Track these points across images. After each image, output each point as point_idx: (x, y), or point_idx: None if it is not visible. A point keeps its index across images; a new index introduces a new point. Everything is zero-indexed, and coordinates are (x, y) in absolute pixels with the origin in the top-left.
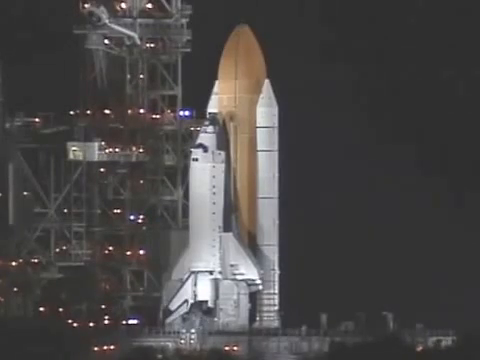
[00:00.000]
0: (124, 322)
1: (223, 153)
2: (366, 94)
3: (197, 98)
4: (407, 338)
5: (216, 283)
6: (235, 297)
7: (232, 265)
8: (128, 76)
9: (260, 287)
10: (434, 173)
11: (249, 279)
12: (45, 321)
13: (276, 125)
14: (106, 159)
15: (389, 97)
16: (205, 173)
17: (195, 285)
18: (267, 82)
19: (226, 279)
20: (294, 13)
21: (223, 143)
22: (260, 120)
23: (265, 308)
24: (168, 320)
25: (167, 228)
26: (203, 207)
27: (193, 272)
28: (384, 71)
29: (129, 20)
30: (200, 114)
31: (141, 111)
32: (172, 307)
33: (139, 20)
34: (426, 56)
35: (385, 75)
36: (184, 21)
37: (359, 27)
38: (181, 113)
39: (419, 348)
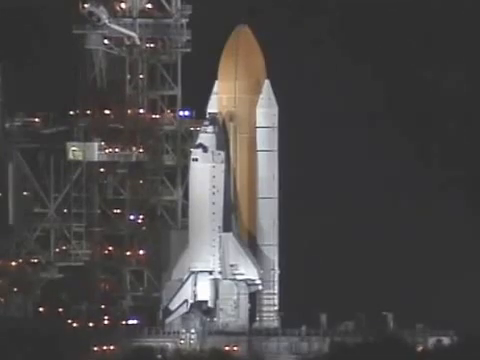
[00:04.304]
0: (124, 322)
1: (223, 153)
2: (366, 94)
3: (197, 98)
4: (407, 338)
5: (216, 283)
6: (235, 297)
7: (232, 265)
8: (128, 76)
9: (260, 287)
10: (434, 173)
11: (249, 279)
12: (45, 321)
13: (276, 125)
14: (106, 159)
15: (389, 97)
16: (205, 173)
17: (195, 285)
18: (267, 82)
19: (226, 279)
20: (294, 13)
21: (223, 143)
22: (260, 120)
23: (265, 308)
24: (168, 320)
25: (167, 228)
26: (203, 207)
27: (193, 272)
28: (384, 70)
29: (129, 20)
30: (200, 114)
31: (141, 111)
32: (172, 307)
33: (139, 20)
34: (430, 55)
35: (385, 74)
36: (184, 21)
37: (359, 27)
38: (181, 113)
39: (419, 348)
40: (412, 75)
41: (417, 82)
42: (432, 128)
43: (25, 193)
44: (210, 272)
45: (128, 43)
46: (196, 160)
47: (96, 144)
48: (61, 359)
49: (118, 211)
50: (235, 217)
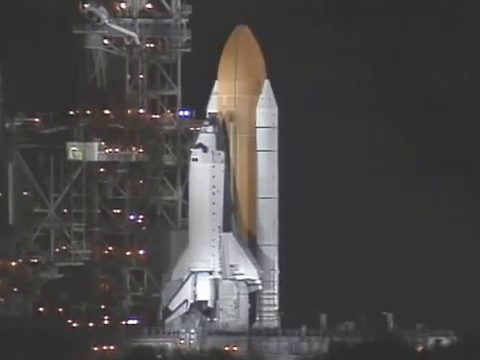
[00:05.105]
0: (124, 322)
1: (223, 153)
2: (366, 94)
3: (197, 98)
4: (407, 338)
5: (216, 283)
6: (235, 297)
7: (232, 265)
8: (128, 76)
9: (260, 287)
10: (434, 172)
11: (249, 279)
12: (45, 321)
13: (276, 125)
14: (106, 159)
15: (389, 96)
16: (205, 173)
17: (195, 285)
18: (267, 82)
19: (226, 279)
20: (294, 13)
21: (223, 143)
22: (260, 120)
23: (265, 308)
24: (168, 320)
25: (167, 228)
26: (203, 207)
27: (193, 272)
28: (384, 70)
29: (129, 20)
30: (200, 114)
31: (141, 111)
32: (172, 307)
33: (139, 20)
34: (424, 55)
35: (385, 74)
36: (184, 21)
37: (360, 26)
38: (181, 113)
39: (419, 348)
40: (413, 75)
41: (419, 81)
42: (433, 128)
43: (25, 193)
44: (210, 272)
45: (128, 43)
46: (196, 160)
47: (96, 144)
48: (61, 359)
49: (118, 211)
50: (235, 217)
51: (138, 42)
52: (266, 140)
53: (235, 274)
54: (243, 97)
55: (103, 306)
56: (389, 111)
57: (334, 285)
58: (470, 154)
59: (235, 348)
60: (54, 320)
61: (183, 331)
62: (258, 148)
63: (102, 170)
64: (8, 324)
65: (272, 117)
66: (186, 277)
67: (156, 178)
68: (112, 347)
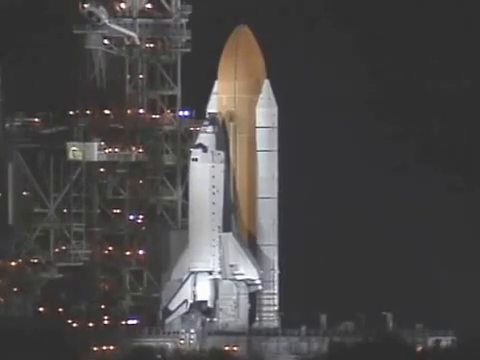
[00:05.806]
0: (124, 322)
1: (222, 153)
2: (366, 93)
3: (197, 98)
4: (407, 338)
5: (216, 283)
6: (235, 297)
7: (232, 265)
8: (127, 76)
9: (260, 287)
10: (434, 173)
11: (249, 279)
12: (45, 321)
13: (276, 125)
14: (105, 159)
15: (389, 96)
16: (205, 173)
17: (194, 285)
18: (267, 82)
19: (226, 279)
20: (294, 13)
21: (222, 143)
22: (260, 120)
23: (265, 308)
24: (168, 320)
25: (167, 228)
26: (203, 207)
27: (193, 272)
28: (384, 70)
29: (129, 20)
30: (200, 114)
31: (141, 111)
32: (171, 307)
33: (139, 20)
34: (424, 55)
35: (385, 74)
36: (184, 21)
37: (360, 25)
38: (181, 113)
39: (419, 348)
40: (413, 74)
41: (418, 81)
42: (433, 128)
43: (25, 193)
44: (210, 272)
45: (128, 43)
46: (196, 160)
47: (96, 144)
48: (61, 359)
49: (118, 211)
50: (235, 217)
51: (138, 42)
52: (266, 140)
53: (235, 274)
54: (243, 97)
55: (103, 306)
56: (389, 111)
57: (334, 285)
58: (470, 154)
59: (235, 348)
60: (54, 320)
61: (183, 331)
62: (258, 148)
63: (102, 170)
64: (8, 324)
65: (272, 117)
66: (186, 277)
67: (156, 178)
68: (112, 347)
